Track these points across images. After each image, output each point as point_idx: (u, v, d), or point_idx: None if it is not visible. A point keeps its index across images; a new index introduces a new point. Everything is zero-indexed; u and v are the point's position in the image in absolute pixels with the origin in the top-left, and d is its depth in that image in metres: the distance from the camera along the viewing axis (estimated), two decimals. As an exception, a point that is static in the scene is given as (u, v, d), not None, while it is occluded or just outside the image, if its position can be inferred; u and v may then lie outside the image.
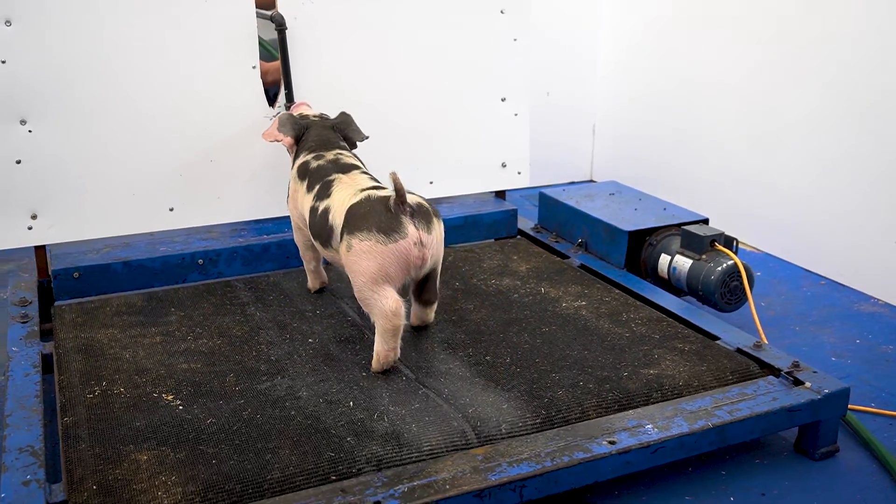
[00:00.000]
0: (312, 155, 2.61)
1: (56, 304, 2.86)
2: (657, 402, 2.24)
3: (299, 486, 1.88)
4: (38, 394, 2.26)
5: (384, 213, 2.23)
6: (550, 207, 3.50)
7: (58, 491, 1.87)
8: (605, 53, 4.82)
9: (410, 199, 2.28)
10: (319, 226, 2.43)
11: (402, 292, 2.33)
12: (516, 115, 3.54)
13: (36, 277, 2.95)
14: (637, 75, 4.57)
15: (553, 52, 4.75)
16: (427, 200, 2.35)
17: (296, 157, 2.70)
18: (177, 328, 2.61)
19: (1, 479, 1.89)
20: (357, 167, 2.57)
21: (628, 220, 3.19)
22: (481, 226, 3.45)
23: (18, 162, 2.82)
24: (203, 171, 3.06)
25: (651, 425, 2.11)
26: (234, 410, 2.15)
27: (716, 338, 2.61)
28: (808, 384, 2.30)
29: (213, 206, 3.10)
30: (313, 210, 2.47)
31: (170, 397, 2.22)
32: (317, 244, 2.53)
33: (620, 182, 4.16)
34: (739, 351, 2.51)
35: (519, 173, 3.60)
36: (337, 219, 2.35)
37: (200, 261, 3.03)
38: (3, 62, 2.74)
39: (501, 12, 3.40)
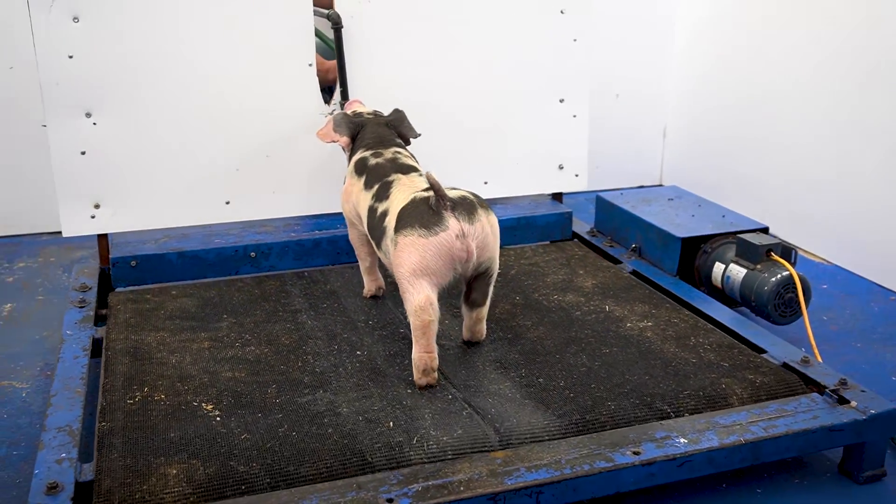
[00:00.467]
0: (370, 152, 2.62)
1: (115, 290, 2.96)
2: (690, 414, 2.18)
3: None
4: (84, 376, 2.34)
5: (427, 211, 2.23)
6: (606, 211, 3.44)
7: (88, 471, 1.94)
8: (679, 55, 4.71)
9: (453, 193, 2.27)
10: (376, 226, 2.45)
11: (449, 292, 2.32)
12: (575, 116, 3.49)
13: (98, 264, 3.07)
14: (712, 77, 4.45)
15: (624, 53, 4.68)
16: (475, 194, 2.32)
17: (352, 154, 2.72)
18: (227, 334, 2.58)
19: (37, 457, 1.97)
20: (416, 169, 2.57)
21: (683, 227, 3.11)
22: (534, 227, 3.42)
23: (83, 153, 2.93)
24: (259, 166, 3.12)
25: (681, 438, 2.06)
26: (271, 426, 2.08)
27: (762, 351, 2.52)
28: (853, 403, 2.20)
29: (267, 200, 3.16)
30: (371, 210, 2.48)
31: (209, 407, 2.17)
32: (372, 242, 2.55)
33: (687, 188, 4.07)
34: (785, 366, 2.42)
35: (576, 176, 3.55)
36: (391, 222, 2.36)
37: (253, 254, 3.10)
38: (71, 57, 2.85)
39: (561, 12, 3.37)
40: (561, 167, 3.52)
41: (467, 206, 2.24)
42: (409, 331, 2.37)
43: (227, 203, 3.12)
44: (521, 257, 3.20)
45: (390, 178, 2.46)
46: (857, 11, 3.49)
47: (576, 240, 3.45)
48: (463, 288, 2.38)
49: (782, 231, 4.00)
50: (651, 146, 4.92)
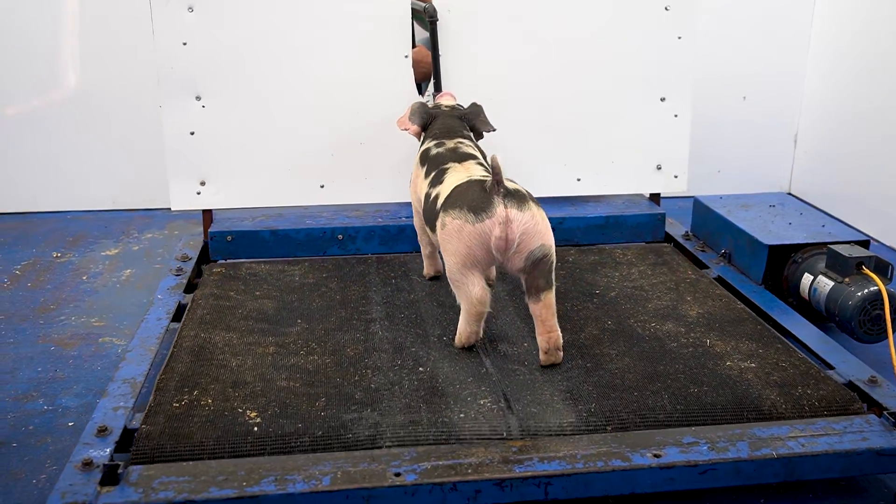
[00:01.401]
0: (435, 142, 2.68)
1: (213, 261, 3.19)
2: (731, 423, 2.10)
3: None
4: (160, 336, 2.55)
5: (479, 193, 2.26)
6: (702, 214, 3.34)
7: (138, 418, 2.12)
8: (815, 56, 4.46)
9: (509, 184, 2.28)
10: (429, 211, 2.51)
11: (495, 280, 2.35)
12: (676, 116, 3.41)
13: (202, 238, 3.31)
14: (852, 82, 4.19)
15: (753, 53, 4.49)
16: (528, 192, 2.32)
17: (422, 145, 2.80)
18: (294, 340, 2.51)
19: (99, 404, 2.17)
20: (474, 157, 2.60)
21: (774, 234, 2.97)
22: (625, 227, 3.37)
23: (192, 133, 3.17)
24: (353, 152, 3.26)
25: (707, 444, 1.99)
26: (305, 444, 2.01)
27: (830, 367, 2.38)
28: (912, 428, 2.05)
29: (360, 185, 3.30)
30: (427, 196, 2.55)
31: (253, 415, 2.10)
32: (427, 229, 2.62)
33: (817, 199, 3.87)
34: (850, 384, 2.28)
35: (675, 177, 3.47)
36: (442, 201, 2.42)
37: (340, 236, 3.24)
38: (185, 44, 3.09)
39: (666, 9, 3.30)
40: (659, 167, 3.44)
41: (519, 198, 2.25)
42: (479, 346, 2.45)
43: (322, 187, 3.28)
44: (626, 279, 2.95)
45: (446, 166, 2.51)
46: None
47: (667, 243, 3.36)
48: (523, 284, 2.33)
49: (908, 247, 3.73)
50: (781, 152, 4.69)
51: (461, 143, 2.67)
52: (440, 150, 2.63)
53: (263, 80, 3.16)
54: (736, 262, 3.08)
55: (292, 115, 3.20)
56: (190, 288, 2.96)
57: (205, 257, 3.22)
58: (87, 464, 1.89)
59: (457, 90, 3.19)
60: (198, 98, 3.14)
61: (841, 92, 4.26)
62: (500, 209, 2.22)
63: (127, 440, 2.04)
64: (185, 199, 3.23)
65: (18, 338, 2.97)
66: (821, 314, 2.80)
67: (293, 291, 2.87)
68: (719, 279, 3.00)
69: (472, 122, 2.81)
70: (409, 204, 3.36)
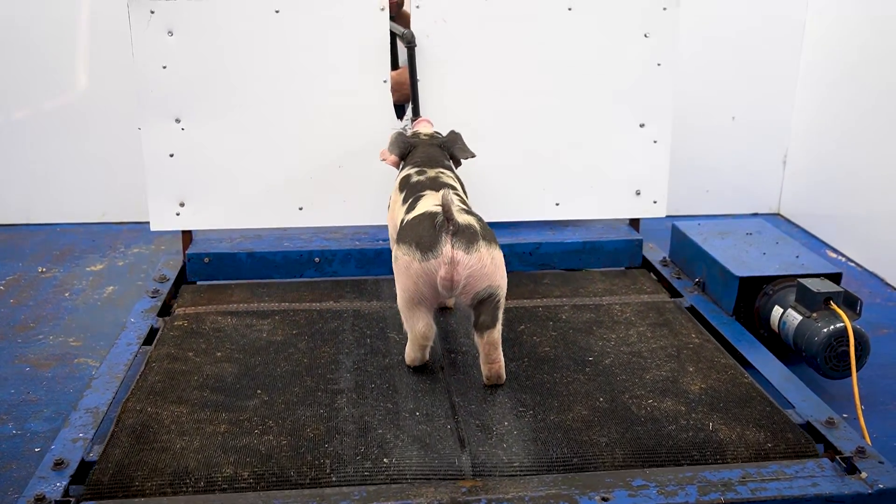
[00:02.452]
0: (416, 170, 2.68)
1: (191, 282, 3.22)
2: (683, 465, 2.11)
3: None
4: (128, 362, 2.57)
5: (428, 230, 2.26)
6: (680, 241, 3.34)
7: (97, 451, 2.15)
8: (803, 79, 4.46)
9: (462, 218, 2.28)
10: None
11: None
12: (655, 142, 3.41)
13: (181, 258, 3.34)
14: (841, 105, 4.17)
15: (742, 75, 4.49)
16: (482, 224, 2.33)
17: (401, 171, 2.81)
18: (250, 416, 2.26)
19: (59, 434, 2.20)
20: (453, 188, 2.62)
21: (746, 265, 2.97)
22: (602, 252, 3.38)
23: (171, 155, 3.19)
24: (332, 175, 3.28)
25: (657, 488, 2.00)
26: None
27: (791, 405, 2.38)
28: (863, 474, 2.05)
29: (338, 208, 3.32)
30: (402, 222, 2.56)
31: None
32: None
33: (805, 221, 3.86)
34: (808, 425, 2.28)
35: (654, 202, 3.47)
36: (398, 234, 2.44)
37: (317, 259, 3.26)
38: (164, 67, 3.12)
39: (645, 36, 3.30)
40: (638, 193, 3.44)
41: (469, 236, 2.25)
42: (457, 430, 2.23)
43: (300, 209, 3.30)
44: (624, 343, 2.69)
45: (423, 194, 2.51)
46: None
47: (643, 269, 3.37)
48: (471, 315, 2.37)
49: (893, 276, 3.72)
50: (769, 173, 4.69)
51: (442, 172, 2.66)
52: (421, 178, 2.62)
53: (243, 104, 3.18)
54: (709, 291, 3.09)
55: (271, 137, 3.22)
56: (164, 311, 2.98)
57: (182, 278, 3.24)
58: (40, 500, 1.92)
59: (435, 116, 3.21)
60: (177, 121, 3.17)
61: (830, 113, 4.24)
62: (446, 249, 2.23)
63: (83, 472, 2.07)
64: (164, 219, 3.26)
65: (-5, 357, 3.01)
66: (789, 347, 2.80)
67: (258, 353, 2.61)
68: (691, 309, 3.01)
69: (450, 149, 2.82)
70: (387, 227, 3.40)
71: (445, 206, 2.23)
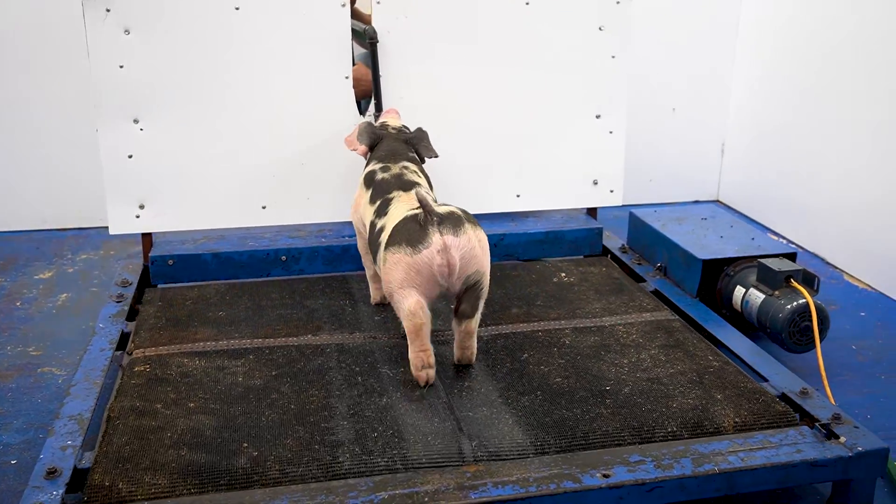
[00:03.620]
0: (380, 166, 2.70)
1: (154, 286, 3.15)
2: (675, 440, 2.19)
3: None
4: (105, 368, 2.52)
5: (414, 228, 2.31)
6: (638, 228, 3.44)
7: (89, 458, 2.10)
8: (739, 70, 4.63)
9: (442, 209, 2.33)
10: (374, 241, 2.54)
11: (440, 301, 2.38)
12: (611, 132, 3.50)
13: (142, 261, 3.27)
14: (775, 95, 4.36)
15: (681, 67, 4.63)
16: (464, 211, 2.38)
17: (366, 165, 2.82)
18: (240, 481, 2.00)
19: (45, 442, 2.14)
20: (418, 184, 2.63)
21: (707, 248, 3.08)
22: (563, 242, 3.45)
23: (130, 157, 3.12)
24: (294, 173, 3.26)
25: (653, 462, 2.07)
26: None
27: (765, 379, 2.49)
28: (842, 439, 2.16)
29: (302, 206, 3.30)
30: (372, 225, 2.57)
31: None
32: (370, 255, 2.64)
33: (744, 206, 3.99)
34: (783, 396, 2.39)
35: (611, 192, 3.56)
36: (385, 238, 2.44)
37: (284, 257, 3.23)
38: (122, 67, 3.05)
39: (600, 29, 3.38)
40: (595, 182, 3.53)
41: (454, 221, 2.31)
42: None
43: (264, 208, 3.27)
44: (638, 368, 2.51)
45: (391, 196, 2.54)
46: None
47: (604, 256, 3.45)
48: (453, 304, 2.43)
49: (833, 256, 3.90)
50: (709, 161, 4.85)
51: (406, 167, 2.69)
52: (385, 175, 2.65)
53: (203, 103, 3.14)
54: (671, 275, 3.19)
55: (233, 136, 3.19)
56: (132, 315, 2.92)
57: (146, 281, 3.18)
58: (40, 508, 1.87)
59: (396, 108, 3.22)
60: (136, 121, 3.10)
61: (766, 102, 4.42)
62: (435, 238, 2.28)
63: (78, 480, 2.02)
64: (123, 222, 3.19)
65: (-47, 371, 2.90)
66: (752, 325, 2.92)
67: (236, 401, 2.30)
68: (656, 293, 3.10)
69: (416, 146, 2.84)
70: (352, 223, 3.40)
71: (423, 202, 2.28)
